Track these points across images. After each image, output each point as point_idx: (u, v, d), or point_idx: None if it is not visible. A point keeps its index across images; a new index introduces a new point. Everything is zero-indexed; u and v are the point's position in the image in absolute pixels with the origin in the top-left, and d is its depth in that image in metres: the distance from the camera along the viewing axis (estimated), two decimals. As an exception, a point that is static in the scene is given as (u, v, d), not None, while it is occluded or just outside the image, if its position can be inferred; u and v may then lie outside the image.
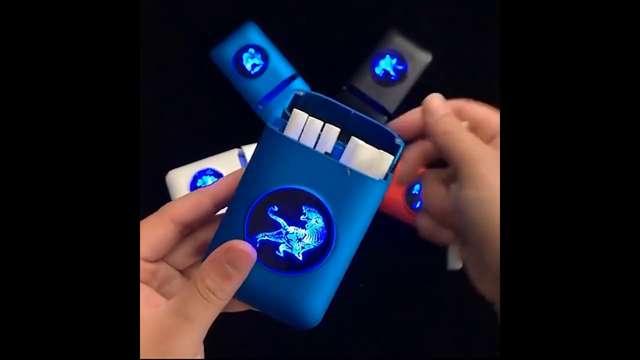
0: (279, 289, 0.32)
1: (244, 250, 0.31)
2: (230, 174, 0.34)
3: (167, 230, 0.33)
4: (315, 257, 0.32)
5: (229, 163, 0.54)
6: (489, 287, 0.33)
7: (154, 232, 0.33)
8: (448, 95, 0.37)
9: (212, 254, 0.31)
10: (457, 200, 0.34)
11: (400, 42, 0.55)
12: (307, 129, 0.31)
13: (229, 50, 0.55)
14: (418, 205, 0.53)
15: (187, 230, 0.34)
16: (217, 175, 0.53)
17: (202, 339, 0.31)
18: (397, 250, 0.57)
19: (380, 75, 0.55)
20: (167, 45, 0.58)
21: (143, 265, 0.33)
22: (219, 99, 0.58)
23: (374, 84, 0.55)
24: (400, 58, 0.55)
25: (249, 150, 0.54)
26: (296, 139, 0.31)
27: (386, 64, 0.55)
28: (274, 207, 0.31)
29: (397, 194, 0.53)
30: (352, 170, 0.31)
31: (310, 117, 0.32)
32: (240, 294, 0.31)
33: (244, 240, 0.31)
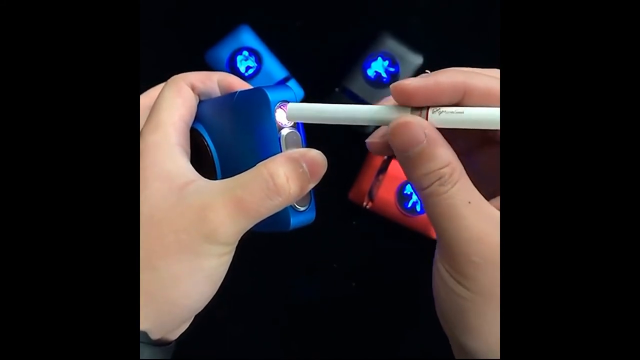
0: None
1: (322, 158, 0.29)
2: (228, 75, 0.34)
3: (189, 92, 0.33)
4: None
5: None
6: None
7: (180, 93, 0.32)
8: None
9: (289, 153, 0.29)
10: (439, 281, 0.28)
11: (392, 45, 0.56)
12: None
13: (223, 52, 0.56)
14: (410, 206, 0.53)
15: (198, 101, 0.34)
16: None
17: (245, 230, 0.28)
18: (389, 250, 0.57)
19: (373, 77, 0.55)
20: (162, 48, 0.59)
21: (183, 126, 0.32)
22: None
23: (366, 86, 0.55)
24: (392, 60, 0.55)
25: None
26: None
27: (378, 66, 0.55)
28: None
29: (389, 195, 0.54)
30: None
31: None
32: None
33: None
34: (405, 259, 0.57)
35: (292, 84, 0.56)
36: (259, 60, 0.56)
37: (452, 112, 0.26)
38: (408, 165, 0.26)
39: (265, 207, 0.28)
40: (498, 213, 0.26)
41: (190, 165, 0.31)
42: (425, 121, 0.26)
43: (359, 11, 0.59)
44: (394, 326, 0.56)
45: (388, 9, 0.59)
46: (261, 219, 0.29)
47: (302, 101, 0.57)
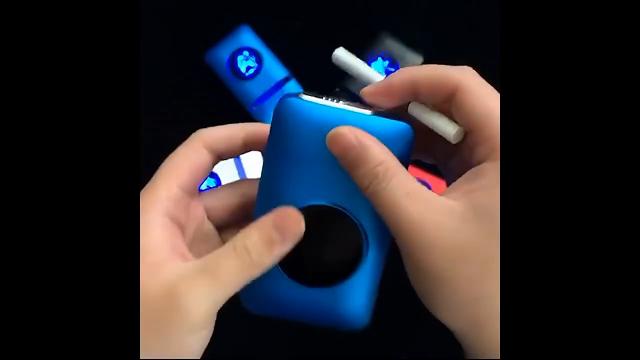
0: (313, 300, 0.30)
1: (294, 217, 0.28)
2: (261, 127, 0.34)
3: (200, 155, 0.32)
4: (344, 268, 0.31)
5: (225, 164, 0.54)
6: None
7: (188, 156, 0.32)
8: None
9: (259, 222, 0.29)
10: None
11: (392, 45, 0.56)
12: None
13: (223, 52, 0.56)
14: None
15: (218, 161, 0.33)
16: (213, 176, 0.54)
17: (220, 304, 0.29)
18: (389, 250, 0.57)
19: (373, 77, 0.55)
20: (162, 47, 0.58)
21: (178, 194, 0.31)
22: (214, 100, 0.59)
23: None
24: (392, 60, 0.55)
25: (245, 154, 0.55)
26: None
27: (378, 67, 0.55)
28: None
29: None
30: None
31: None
32: (271, 310, 0.31)
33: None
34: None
35: (292, 84, 0.56)
36: (259, 60, 0.56)
37: (420, 111, 0.31)
38: (349, 169, 0.29)
39: (234, 274, 0.28)
40: (441, 198, 0.28)
41: (173, 241, 0.30)
42: (357, 129, 0.29)
43: (359, 11, 0.59)
44: (394, 326, 0.56)
45: (388, 9, 0.59)
46: (234, 291, 0.29)
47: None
